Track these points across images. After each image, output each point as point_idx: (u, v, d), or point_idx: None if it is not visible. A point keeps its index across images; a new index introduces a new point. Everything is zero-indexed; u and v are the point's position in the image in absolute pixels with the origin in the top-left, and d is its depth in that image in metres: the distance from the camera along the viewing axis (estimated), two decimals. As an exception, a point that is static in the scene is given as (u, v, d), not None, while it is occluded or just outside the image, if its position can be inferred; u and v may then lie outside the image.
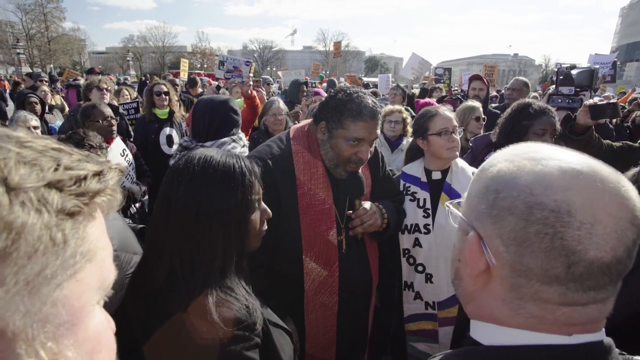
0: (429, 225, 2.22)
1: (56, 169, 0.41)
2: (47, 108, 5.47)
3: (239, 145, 2.47)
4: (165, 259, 1.12)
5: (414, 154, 2.45)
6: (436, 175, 2.31)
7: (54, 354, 0.38)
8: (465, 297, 0.74)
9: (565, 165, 0.61)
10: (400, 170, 2.45)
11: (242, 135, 2.58)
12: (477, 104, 3.77)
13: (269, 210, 1.31)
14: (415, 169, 2.36)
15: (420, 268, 2.26)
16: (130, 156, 3.41)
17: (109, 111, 3.22)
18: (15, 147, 0.40)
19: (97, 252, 0.44)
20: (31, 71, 13.11)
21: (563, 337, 0.61)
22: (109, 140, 3.12)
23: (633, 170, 1.55)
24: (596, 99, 2.75)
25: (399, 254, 2.31)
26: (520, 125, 2.41)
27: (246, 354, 1.06)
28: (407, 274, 2.31)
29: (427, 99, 5.28)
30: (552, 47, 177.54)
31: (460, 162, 2.32)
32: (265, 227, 1.31)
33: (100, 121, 3.11)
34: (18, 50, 28.61)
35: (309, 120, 2.00)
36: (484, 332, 0.69)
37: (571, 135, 2.69)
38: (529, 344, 0.62)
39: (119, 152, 3.27)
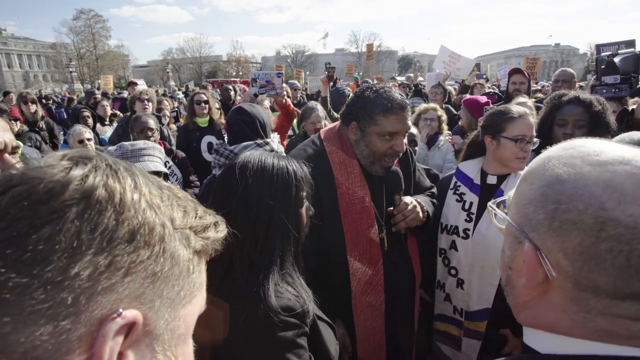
0: (469, 230, 2.08)
1: (195, 216, 0.52)
2: (97, 120, 5.85)
3: (267, 149, 2.45)
4: (223, 258, 1.18)
5: (473, 150, 2.23)
6: (491, 180, 2.10)
7: (175, 357, 0.49)
8: (517, 306, 0.69)
9: (637, 171, 0.55)
10: (441, 168, 2.38)
11: (274, 137, 2.52)
12: (523, 99, 3.63)
13: (312, 207, 1.39)
14: (471, 168, 2.17)
15: (453, 271, 2.18)
16: (174, 168, 3.36)
17: (152, 123, 3.28)
18: (171, 193, 0.51)
19: (203, 285, 0.55)
20: (90, 88, 14.04)
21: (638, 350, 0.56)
22: None
23: None
24: None
25: (436, 253, 2.24)
26: (547, 118, 2.31)
27: (297, 341, 1.11)
28: (440, 273, 2.25)
29: (473, 96, 5.09)
30: (597, 34, 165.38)
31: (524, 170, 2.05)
32: (309, 222, 1.38)
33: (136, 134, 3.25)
34: (71, 69, 30.97)
35: (337, 122, 2.01)
36: (541, 340, 0.64)
37: (628, 131, 2.53)
38: (597, 354, 0.57)
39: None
